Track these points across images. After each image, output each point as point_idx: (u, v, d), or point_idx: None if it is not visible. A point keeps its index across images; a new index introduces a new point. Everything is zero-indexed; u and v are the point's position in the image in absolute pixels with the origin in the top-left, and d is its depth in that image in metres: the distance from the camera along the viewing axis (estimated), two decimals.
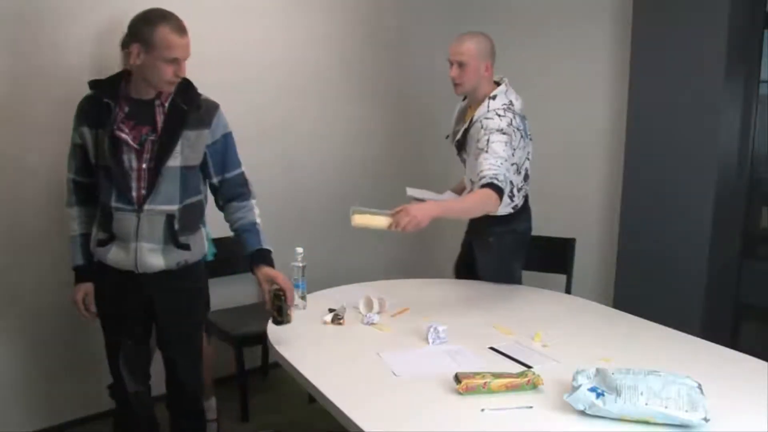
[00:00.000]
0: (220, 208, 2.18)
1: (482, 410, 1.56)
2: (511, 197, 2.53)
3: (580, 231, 3.18)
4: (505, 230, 2.60)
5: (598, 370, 1.59)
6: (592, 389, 1.51)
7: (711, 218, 2.90)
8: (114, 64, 2.51)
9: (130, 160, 1.97)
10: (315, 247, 2.82)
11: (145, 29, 1.89)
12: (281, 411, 3.08)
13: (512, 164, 2.41)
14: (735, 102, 3.00)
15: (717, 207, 2.91)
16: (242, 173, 2.16)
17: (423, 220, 2.12)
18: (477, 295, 2.52)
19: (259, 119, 3.24)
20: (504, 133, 2.37)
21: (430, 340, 1.99)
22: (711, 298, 2.98)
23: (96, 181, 2.04)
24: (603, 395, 1.50)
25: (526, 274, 2.74)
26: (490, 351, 1.94)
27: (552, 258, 3.04)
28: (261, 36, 3.23)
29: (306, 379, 1.77)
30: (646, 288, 3.03)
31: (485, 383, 1.64)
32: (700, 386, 1.53)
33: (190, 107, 2.01)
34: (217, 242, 2.66)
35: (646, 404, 1.46)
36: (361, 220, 2.15)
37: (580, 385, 1.53)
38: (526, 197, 2.65)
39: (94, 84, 2.05)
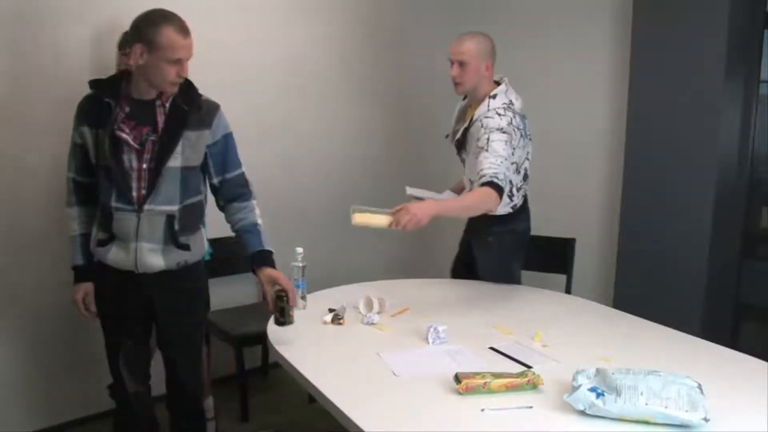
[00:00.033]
0: (221, 208, 2.18)
1: (482, 410, 1.56)
2: (511, 197, 2.53)
3: (580, 231, 3.18)
4: (504, 230, 2.60)
5: (598, 370, 1.59)
6: (592, 389, 1.51)
7: (711, 218, 2.90)
8: (114, 64, 2.52)
9: (130, 160, 1.97)
10: (315, 247, 2.81)
11: (148, 30, 1.88)
12: (281, 411, 3.08)
13: (512, 163, 2.42)
14: (735, 102, 3.00)
15: (717, 207, 2.91)
16: (243, 173, 2.16)
17: (423, 219, 2.13)
18: (477, 295, 2.52)
19: (259, 119, 3.24)
20: (504, 132, 2.38)
21: (430, 340, 1.99)
22: (711, 298, 2.98)
23: (96, 181, 2.04)
24: (603, 395, 1.50)
25: (526, 274, 2.74)
26: (490, 351, 1.94)
27: (552, 258, 3.04)
28: (261, 36, 3.23)
29: (306, 379, 1.77)
30: (646, 288, 3.03)
31: (485, 383, 1.64)
32: (700, 386, 1.53)
33: (191, 108, 2.01)
34: (216, 242, 2.66)
35: (646, 404, 1.46)
36: (361, 218, 2.15)
37: (580, 385, 1.53)
38: (525, 197, 2.65)
39: (94, 83, 2.05)
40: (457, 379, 1.65)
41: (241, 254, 2.16)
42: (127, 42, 2.39)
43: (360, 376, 1.79)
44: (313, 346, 2.01)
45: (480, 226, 2.63)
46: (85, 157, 2.04)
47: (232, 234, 2.19)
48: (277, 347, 1.97)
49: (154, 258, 2.03)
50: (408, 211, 2.12)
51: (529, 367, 1.79)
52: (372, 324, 2.17)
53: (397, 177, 3.39)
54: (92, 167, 2.04)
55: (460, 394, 1.63)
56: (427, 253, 3.87)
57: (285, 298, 1.96)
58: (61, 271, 2.33)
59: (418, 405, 1.61)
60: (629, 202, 3.15)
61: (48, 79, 2.60)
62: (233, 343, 2.94)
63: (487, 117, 2.42)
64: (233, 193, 2.14)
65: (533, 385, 1.66)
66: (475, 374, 1.67)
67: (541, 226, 2.84)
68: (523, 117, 2.53)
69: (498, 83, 2.55)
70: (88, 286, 2.15)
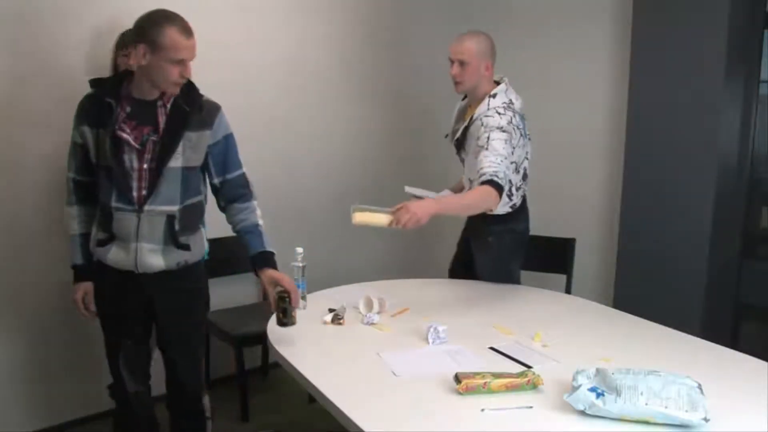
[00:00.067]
0: (222, 209, 2.18)
1: (482, 410, 1.56)
2: (510, 196, 2.53)
3: (580, 231, 3.18)
4: (503, 229, 2.60)
5: (598, 370, 1.59)
6: (592, 389, 1.51)
7: (711, 218, 2.90)
8: (108, 65, 2.52)
9: (131, 160, 1.97)
10: (315, 247, 2.82)
11: (151, 30, 1.88)
12: (281, 411, 3.08)
13: (511, 162, 2.42)
14: (735, 102, 3.00)
15: (717, 207, 2.91)
16: (243, 174, 2.16)
17: (423, 217, 2.13)
18: (477, 295, 2.52)
19: (259, 119, 3.24)
20: (504, 131, 2.38)
21: (430, 340, 1.99)
22: (711, 298, 2.98)
23: (96, 181, 2.04)
24: (603, 395, 1.50)
25: (525, 274, 2.74)
26: (490, 351, 1.94)
27: (552, 258, 3.04)
28: (261, 36, 3.23)
29: (306, 379, 1.77)
30: (646, 288, 3.03)
31: (485, 383, 1.64)
32: (700, 386, 1.53)
33: (192, 108, 2.01)
34: (216, 242, 2.66)
35: (646, 404, 1.46)
36: (361, 217, 2.16)
37: (580, 385, 1.53)
38: (524, 197, 2.65)
39: (95, 83, 2.05)
40: (457, 379, 1.65)
41: (241, 254, 2.16)
42: (125, 43, 2.41)
43: (360, 376, 1.79)
44: (313, 346, 2.01)
45: (479, 225, 2.63)
46: (86, 157, 2.04)
47: (232, 234, 2.19)
48: (277, 347, 1.97)
49: (154, 258, 2.03)
50: (408, 209, 2.12)
51: (529, 367, 1.79)
52: (372, 324, 2.17)
53: (396, 177, 3.40)
54: (92, 167, 2.04)
55: (460, 394, 1.63)
56: (426, 253, 3.87)
57: (287, 299, 1.96)
58: (61, 270, 2.33)
59: (418, 405, 1.61)
60: (629, 202, 3.15)
61: (48, 78, 2.60)
62: (233, 343, 2.94)
63: (487, 116, 2.42)
64: (234, 193, 2.14)
65: (533, 385, 1.66)
66: (475, 374, 1.67)
67: (540, 226, 2.85)
68: (522, 117, 2.54)
69: (498, 83, 2.55)
70: (87, 286, 2.15)
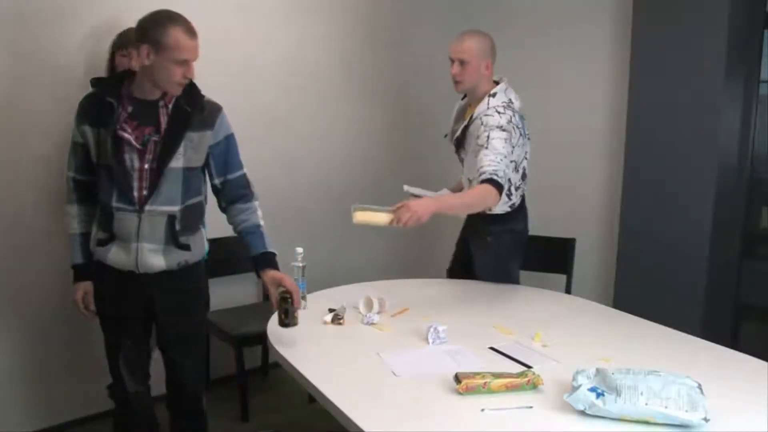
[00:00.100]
0: (223, 209, 2.18)
1: (482, 410, 1.56)
2: (509, 195, 2.53)
3: (580, 231, 3.18)
4: (502, 229, 2.60)
5: (598, 370, 1.59)
6: (592, 389, 1.51)
7: (711, 218, 2.90)
8: (103, 65, 2.52)
9: (132, 160, 1.97)
10: (315, 247, 2.82)
11: (155, 30, 1.88)
12: (281, 411, 3.08)
13: (511, 161, 2.42)
14: (735, 102, 3.00)
15: (717, 207, 2.91)
16: (244, 175, 2.16)
17: (424, 215, 2.14)
18: (477, 295, 2.52)
19: (259, 119, 3.24)
20: (504, 130, 2.38)
21: (430, 340, 1.99)
22: (711, 298, 2.98)
23: (96, 180, 2.04)
24: (603, 395, 1.50)
25: (525, 274, 2.74)
26: (490, 351, 1.94)
27: (552, 258, 3.04)
28: (261, 36, 3.23)
29: (306, 379, 1.77)
30: (646, 288, 3.03)
31: (485, 383, 1.64)
32: (700, 386, 1.53)
33: (193, 109, 2.01)
34: (216, 242, 2.65)
35: (646, 404, 1.46)
36: (362, 216, 2.16)
37: (580, 385, 1.53)
38: (523, 197, 2.65)
39: (96, 82, 2.05)
40: (457, 379, 1.65)
41: (241, 254, 2.16)
42: (124, 43, 2.41)
43: (360, 376, 1.79)
44: (313, 346, 2.01)
45: (478, 225, 2.63)
46: (86, 156, 2.04)
47: (232, 234, 2.19)
48: (277, 347, 1.97)
49: (155, 258, 2.03)
50: (408, 208, 2.13)
51: (529, 367, 1.79)
52: (372, 324, 2.17)
53: (396, 177, 3.39)
54: (92, 166, 2.04)
55: (460, 394, 1.63)
56: (426, 253, 3.87)
57: (290, 300, 1.96)
58: (61, 270, 2.33)
59: (418, 405, 1.61)
60: (629, 202, 3.15)
61: (48, 78, 2.60)
62: (233, 343, 2.93)
63: (487, 115, 2.43)
64: (235, 194, 2.14)
65: (533, 385, 1.66)
66: (475, 374, 1.67)
67: (540, 226, 2.85)
68: (521, 116, 2.54)
69: (497, 83, 2.55)
70: (87, 285, 2.15)
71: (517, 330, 2.11)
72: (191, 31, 1.92)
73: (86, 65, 2.62)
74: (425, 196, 2.46)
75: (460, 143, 2.60)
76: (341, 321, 2.17)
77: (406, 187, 2.57)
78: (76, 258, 2.14)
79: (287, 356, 1.91)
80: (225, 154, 2.10)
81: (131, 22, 2.08)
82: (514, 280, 2.67)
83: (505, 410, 1.56)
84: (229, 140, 2.11)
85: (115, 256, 2.04)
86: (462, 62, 2.47)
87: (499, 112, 2.42)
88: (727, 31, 2.78)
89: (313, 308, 2.25)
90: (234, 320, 3.01)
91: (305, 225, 3.45)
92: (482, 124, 2.42)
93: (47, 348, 2.74)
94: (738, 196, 3.11)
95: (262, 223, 2.14)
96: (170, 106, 2.00)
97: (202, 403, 2.30)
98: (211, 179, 2.13)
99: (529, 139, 2.59)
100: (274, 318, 2.09)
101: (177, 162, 1.98)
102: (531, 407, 1.58)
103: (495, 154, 2.33)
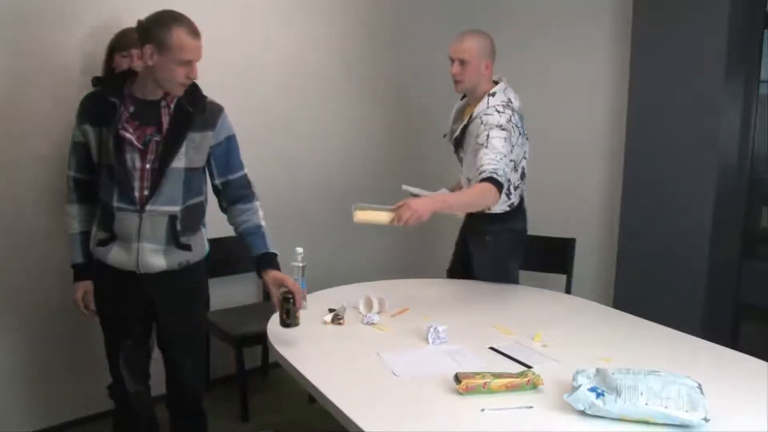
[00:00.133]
0: (224, 210, 2.18)
1: (482, 410, 1.56)
2: (508, 195, 2.53)
3: (580, 231, 3.18)
4: (501, 229, 2.60)
5: (598, 370, 1.59)
6: (592, 389, 1.51)
7: (711, 218, 2.90)
8: (99, 65, 2.51)
9: (133, 160, 1.97)
10: (315, 247, 2.81)
11: (159, 31, 1.88)
12: (281, 411, 3.08)
13: (510, 161, 2.42)
14: (735, 102, 3.00)
15: (717, 207, 2.91)
16: (245, 175, 2.16)
17: (424, 214, 2.15)
18: (477, 295, 2.52)
19: (259, 119, 3.24)
20: (503, 129, 2.39)
21: (430, 340, 1.99)
22: (711, 298, 2.98)
23: (97, 179, 2.04)
24: (603, 395, 1.50)
25: (525, 274, 2.74)
26: (490, 351, 1.94)
27: (552, 258, 3.04)
28: (261, 36, 3.23)
29: (306, 379, 1.77)
30: (646, 288, 3.03)
31: (485, 383, 1.64)
32: (700, 386, 1.53)
33: (195, 109, 2.01)
34: (216, 242, 2.65)
35: (646, 404, 1.46)
36: (363, 215, 2.17)
37: (580, 385, 1.53)
38: (522, 196, 2.65)
39: (98, 81, 2.05)
40: (457, 379, 1.65)
41: (241, 254, 2.16)
42: (123, 44, 2.41)
43: (360, 376, 1.79)
44: (313, 346, 2.01)
45: (477, 224, 2.64)
46: (87, 156, 2.04)
47: (232, 234, 2.19)
48: (277, 347, 1.97)
49: (156, 258, 2.03)
50: (409, 207, 2.14)
51: (529, 367, 1.79)
52: (372, 324, 2.17)
53: (396, 177, 3.38)
54: (93, 165, 2.04)
55: (460, 394, 1.63)
56: (426, 253, 3.87)
57: (292, 300, 1.97)
58: (61, 270, 2.33)
59: (418, 405, 1.61)
60: (629, 202, 3.15)
61: (48, 78, 2.60)
62: (233, 343, 2.93)
63: (486, 114, 2.43)
64: (236, 194, 2.14)
65: (533, 385, 1.66)
66: (475, 374, 1.67)
67: (540, 226, 2.85)
68: (521, 116, 2.54)
69: (496, 82, 2.56)
70: (87, 285, 2.15)
71: (517, 330, 2.11)
72: (195, 32, 1.92)
73: (86, 65, 2.62)
74: (424, 195, 2.46)
75: (459, 143, 2.60)
76: (341, 321, 2.17)
77: (404, 187, 2.57)
78: (76, 257, 2.14)
79: (287, 356, 1.91)
80: (226, 155, 2.10)
81: (131, 21, 2.08)
82: (513, 279, 2.67)
83: (505, 410, 1.56)
84: (231, 141, 2.11)
85: (115, 255, 2.04)
86: (462, 62, 2.48)
87: (498, 111, 2.43)
88: (727, 31, 2.78)
89: (313, 308, 2.25)
90: (234, 320, 3.01)
91: (305, 225, 3.45)
92: (482, 123, 2.42)
93: (47, 348, 2.74)
94: (738, 196, 3.11)
95: (263, 223, 2.14)
96: (172, 106, 2.00)
97: (202, 403, 2.30)
98: (212, 180, 2.13)
99: (527, 138, 2.59)
100: (274, 318, 2.09)
101: (179, 162, 1.98)
102: (531, 407, 1.58)
103: (495, 152, 2.33)
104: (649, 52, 3.01)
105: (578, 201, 3.47)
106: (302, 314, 2.02)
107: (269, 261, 2.08)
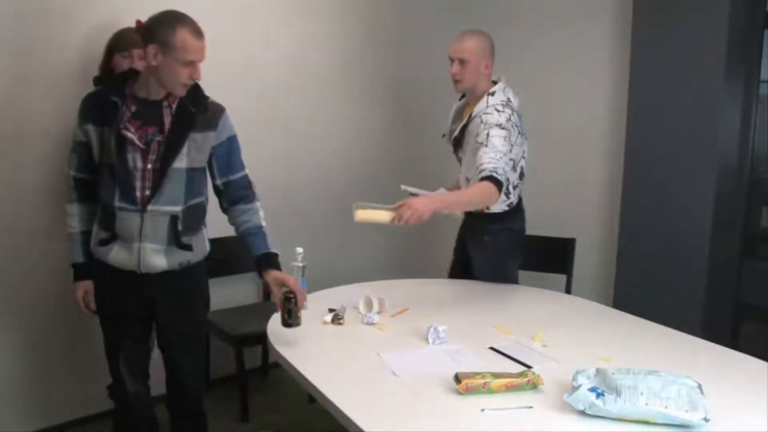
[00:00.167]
0: (225, 210, 2.18)
1: (482, 410, 1.56)
2: (507, 194, 2.53)
3: (580, 231, 3.18)
4: (500, 228, 2.60)
5: (598, 370, 1.59)
6: (592, 389, 1.51)
7: (711, 218, 2.90)
8: (97, 65, 2.51)
9: (134, 159, 1.97)
10: (315, 247, 2.82)
11: (163, 31, 1.88)
12: (281, 411, 3.08)
13: (510, 160, 2.42)
14: (735, 102, 3.00)
15: (717, 207, 2.91)
16: (246, 176, 2.16)
17: (425, 213, 2.15)
18: (476, 295, 2.52)
19: (259, 119, 3.24)
20: (503, 128, 2.39)
21: (430, 340, 1.99)
22: (711, 298, 2.98)
23: (99, 179, 2.04)
24: (603, 395, 1.50)
25: (525, 275, 2.74)
26: (490, 351, 1.94)
27: (552, 258, 3.04)
28: (261, 36, 3.23)
29: (306, 379, 1.77)
30: (646, 288, 3.03)
31: (485, 383, 1.63)
32: (700, 386, 1.53)
33: (197, 109, 2.01)
34: (216, 242, 2.65)
35: (646, 404, 1.46)
36: (363, 215, 2.17)
37: (580, 385, 1.53)
38: (520, 196, 2.65)
39: (99, 81, 2.05)
40: (457, 379, 1.65)
41: (242, 254, 2.16)
42: (123, 44, 2.40)
43: (360, 376, 1.79)
44: (313, 346, 2.01)
45: (476, 224, 2.64)
46: (88, 155, 2.04)
47: (232, 234, 2.19)
48: (277, 347, 1.97)
49: (157, 258, 2.03)
50: (410, 206, 2.14)
51: (529, 367, 1.79)
52: (372, 324, 2.17)
53: (396, 177, 3.38)
54: (94, 164, 2.04)
55: (460, 394, 1.63)
56: (426, 253, 3.87)
57: (293, 300, 1.97)
58: (61, 270, 2.33)
59: (418, 405, 1.61)
60: (629, 202, 3.15)
61: (48, 78, 2.60)
62: (233, 343, 2.93)
63: (486, 113, 2.43)
64: (237, 195, 2.14)
65: (533, 385, 1.66)
66: (475, 374, 1.67)
67: (540, 226, 2.85)
68: (519, 115, 2.54)
69: (495, 82, 2.56)
70: (87, 284, 2.15)
71: (517, 330, 2.10)
72: (198, 32, 1.93)
73: (86, 65, 2.62)
74: (423, 195, 2.46)
75: (458, 143, 2.60)
76: (341, 321, 2.17)
77: (403, 187, 2.57)
78: (76, 257, 2.14)
79: (287, 356, 1.91)
80: (228, 155, 2.11)
81: (130, 21, 2.08)
82: (512, 279, 2.67)
83: (505, 410, 1.56)
84: (232, 141, 2.11)
85: (116, 255, 2.04)
86: (462, 62, 2.48)
87: (498, 111, 2.43)
88: (727, 31, 2.78)
89: (313, 308, 2.25)
90: (234, 320, 3.01)
91: (305, 225, 3.45)
92: (482, 122, 2.42)
93: (47, 348, 2.74)
94: (738, 196, 3.11)
95: (264, 224, 2.15)
96: (174, 106, 2.00)
97: (202, 403, 2.30)
98: (213, 180, 2.14)
99: (526, 138, 2.59)
100: (274, 318, 2.09)
101: (180, 162, 1.98)
102: (531, 407, 1.58)
103: (495, 151, 2.33)
104: (649, 52, 3.01)
105: (578, 201, 3.47)
106: (303, 314, 2.03)
107: (270, 261, 2.09)
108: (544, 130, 3.09)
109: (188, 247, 2.07)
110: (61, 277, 2.40)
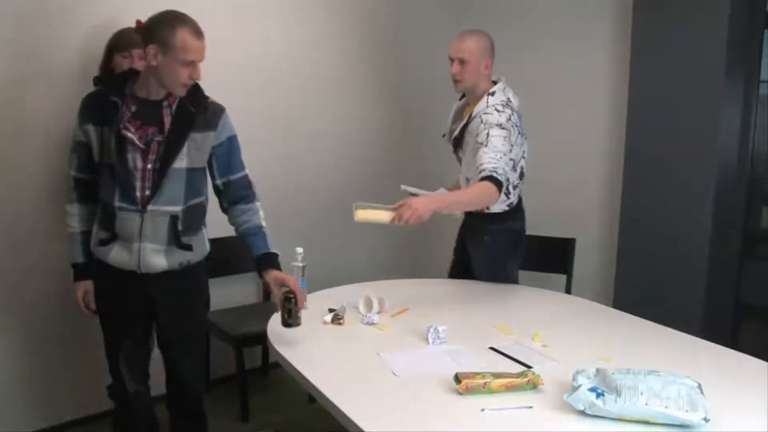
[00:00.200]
0: (225, 210, 2.18)
1: (482, 410, 1.56)
2: (507, 194, 2.53)
3: (580, 231, 3.18)
4: (500, 228, 2.60)
5: (598, 370, 1.59)
6: (592, 389, 1.51)
7: (711, 218, 2.90)
8: (97, 65, 2.51)
9: (134, 159, 1.97)
10: (315, 247, 2.81)
11: (163, 31, 1.88)
12: (281, 411, 3.08)
13: (510, 159, 2.42)
14: (735, 102, 2.99)
15: (717, 207, 2.91)
16: (246, 176, 2.16)
17: (425, 213, 2.15)
18: (477, 295, 2.52)
19: (259, 119, 3.24)
20: (503, 128, 2.39)
21: (430, 340, 1.99)
22: (711, 298, 2.98)
23: (99, 179, 2.04)
24: (603, 395, 1.50)
25: (525, 274, 2.74)
26: (490, 351, 1.94)
27: (552, 258, 3.04)
28: (261, 36, 3.23)
29: (306, 379, 1.77)
30: (646, 288, 3.03)
31: (485, 383, 1.63)
32: (700, 386, 1.53)
33: (197, 110, 2.01)
34: (216, 242, 2.65)
35: (646, 404, 1.46)
36: (364, 215, 2.17)
37: (580, 385, 1.53)
38: (520, 196, 2.65)
39: (99, 81, 2.05)
40: (457, 379, 1.65)
41: (242, 254, 2.16)
42: (123, 44, 2.41)
43: (360, 376, 1.79)
44: (313, 346, 2.01)
45: (475, 224, 2.64)
46: (88, 155, 2.04)
47: (232, 234, 2.19)
48: (277, 347, 1.97)
49: (157, 258, 2.03)
50: (410, 206, 2.14)
51: (529, 367, 1.79)
52: (372, 324, 2.16)
53: (396, 177, 3.38)
54: (94, 164, 2.04)
55: (460, 394, 1.63)
56: (426, 253, 3.87)
57: (293, 300, 1.97)
58: (61, 270, 2.33)
59: (418, 405, 1.61)
60: (629, 202, 3.15)
61: (48, 78, 2.60)
62: (233, 343, 2.93)
63: (486, 113, 2.44)
64: (237, 195, 2.14)
65: (533, 385, 1.66)
66: (475, 374, 1.67)
67: (540, 225, 2.85)
68: (519, 115, 2.54)
69: (495, 82, 2.56)
70: (87, 284, 2.15)
71: (517, 330, 2.10)
72: (198, 32, 1.93)
73: (86, 65, 2.62)
74: (423, 195, 2.46)
75: (458, 143, 2.60)
76: (341, 321, 2.17)
77: (403, 187, 2.57)
78: (76, 257, 2.14)
79: (287, 356, 1.91)
80: (228, 155, 2.11)
81: (130, 21, 2.08)
82: (512, 279, 2.67)
83: (505, 410, 1.56)
84: (232, 141, 2.11)
85: (116, 255, 2.04)
86: (462, 61, 2.48)
87: (498, 111, 2.43)
88: (727, 31, 2.78)
89: (313, 308, 2.25)
90: (234, 320, 3.01)
91: (305, 225, 3.45)
92: (482, 122, 2.42)
93: (47, 348, 2.74)
94: (738, 196, 3.11)
95: (264, 224, 2.15)
96: (174, 106, 2.00)
97: (202, 403, 2.30)
98: (213, 180, 2.14)
99: (526, 138, 2.59)
100: (274, 318, 2.09)
101: (180, 162, 1.98)
102: (531, 407, 1.58)
103: (495, 151, 2.33)
104: (649, 52, 3.01)
105: (578, 201, 3.47)
106: (303, 314, 2.03)
107: (270, 261, 2.09)
108: (544, 130, 3.09)
109: (188, 247, 2.07)
110: (61, 277, 2.40)
